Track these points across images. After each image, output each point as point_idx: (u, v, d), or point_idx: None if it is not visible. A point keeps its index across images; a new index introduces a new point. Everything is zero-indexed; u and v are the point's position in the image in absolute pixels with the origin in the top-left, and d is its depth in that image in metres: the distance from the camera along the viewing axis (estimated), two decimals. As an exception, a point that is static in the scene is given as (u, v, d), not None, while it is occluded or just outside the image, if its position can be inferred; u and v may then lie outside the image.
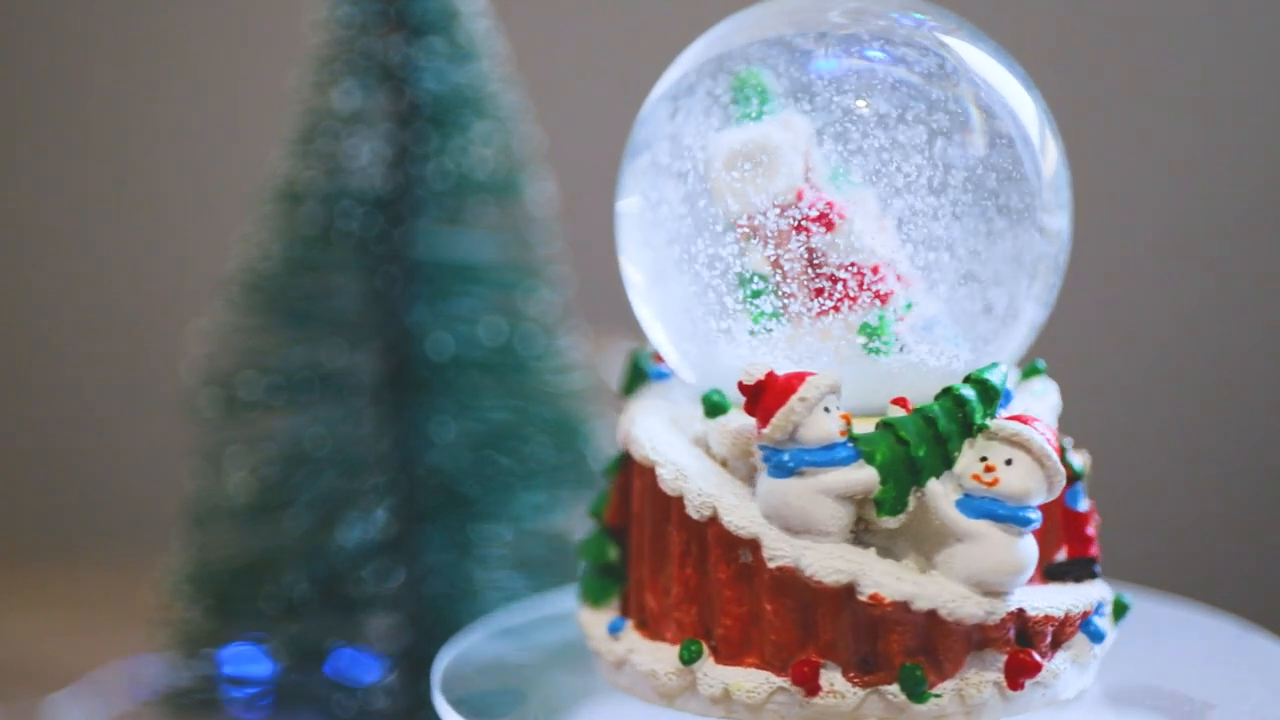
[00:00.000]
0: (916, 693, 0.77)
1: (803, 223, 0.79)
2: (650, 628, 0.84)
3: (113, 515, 1.78)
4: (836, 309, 0.80)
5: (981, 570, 0.76)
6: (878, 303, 0.80)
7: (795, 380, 0.76)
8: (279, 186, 1.09)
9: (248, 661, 1.08)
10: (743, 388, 0.77)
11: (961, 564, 0.76)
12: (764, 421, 0.76)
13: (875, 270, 0.79)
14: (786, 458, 0.76)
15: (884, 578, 0.76)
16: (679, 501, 0.80)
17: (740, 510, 0.78)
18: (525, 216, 1.12)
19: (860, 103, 0.79)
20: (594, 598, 0.88)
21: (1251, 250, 1.59)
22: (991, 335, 0.82)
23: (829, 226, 0.79)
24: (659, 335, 0.87)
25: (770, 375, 0.77)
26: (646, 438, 0.82)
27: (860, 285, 0.79)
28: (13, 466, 1.87)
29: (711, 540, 0.79)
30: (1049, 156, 0.83)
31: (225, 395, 1.08)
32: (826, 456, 0.76)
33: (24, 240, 1.87)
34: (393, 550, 1.08)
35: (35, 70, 1.85)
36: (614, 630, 0.85)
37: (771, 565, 0.76)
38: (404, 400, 1.09)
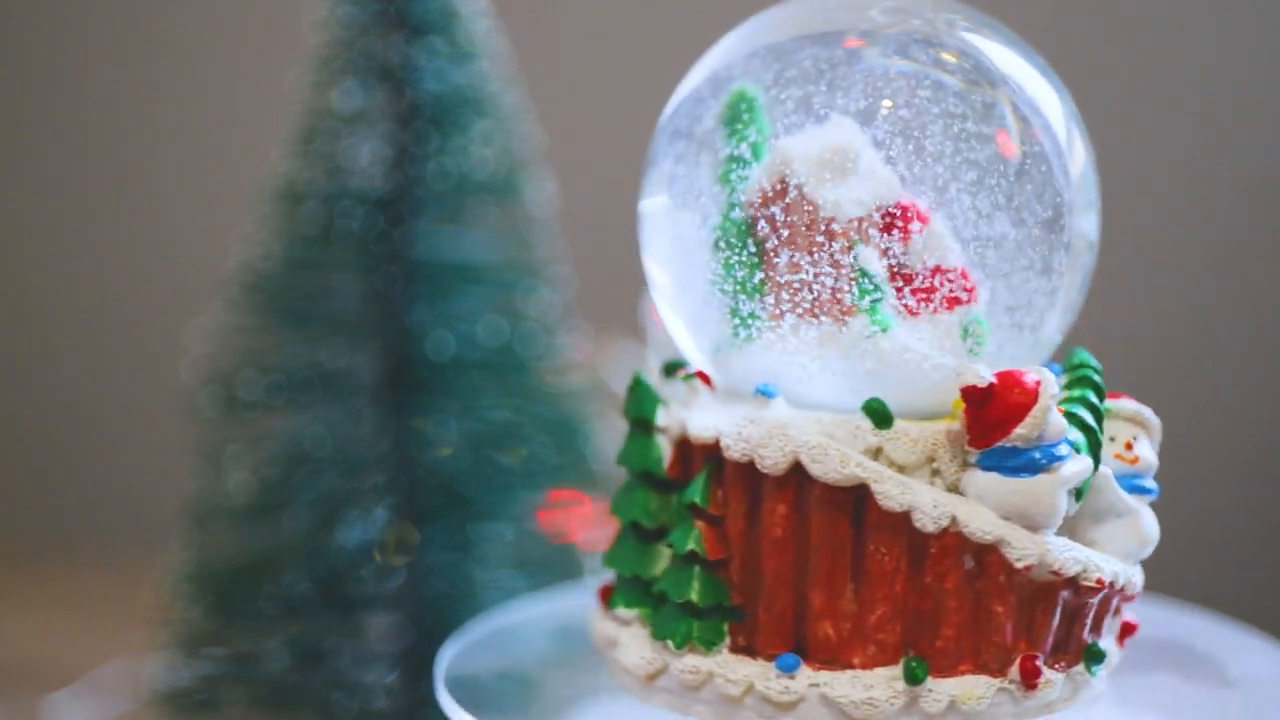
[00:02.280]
0: (1095, 668, 0.80)
1: (901, 224, 0.78)
2: (824, 657, 0.79)
3: (113, 515, 1.78)
4: (934, 309, 0.79)
5: (1138, 542, 0.81)
6: (964, 303, 0.79)
7: (1029, 379, 0.76)
8: (279, 186, 1.09)
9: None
10: (972, 391, 0.76)
11: (1124, 539, 0.80)
12: (1010, 422, 0.75)
13: (964, 275, 0.79)
14: (1038, 455, 0.76)
15: (1101, 562, 0.78)
16: (895, 516, 0.77)
17: (980, 515, 0.77)
18: (525, 216, 1.12)
19: (886, 103, 0.79)
20: (706, 640, 0.81)
21: (1257, 252, 1.59)
22: (1020, 336, 0.82)
23: (920, 228, 0.79)
24: (683, 336, 0.85)
25: (1001, 377, 0.76)
26: (839, 455, 0.77)
27: (952, 286, 0.79)
28: (13, 466, 1.87)
29: (937, 550, 0.77)
30: (1077, 158, 0.82)
31: (225, 395, 1.08)
32: (1062, 451, 0.77)
33: (24, 240, 1.87)
34: (393, 550, 1.08)
35: (35, 70, 1.85)
36: (789, 668, 0.79)
37: (1019, 565, 0.76)
38: (404, 400, 1.09)
